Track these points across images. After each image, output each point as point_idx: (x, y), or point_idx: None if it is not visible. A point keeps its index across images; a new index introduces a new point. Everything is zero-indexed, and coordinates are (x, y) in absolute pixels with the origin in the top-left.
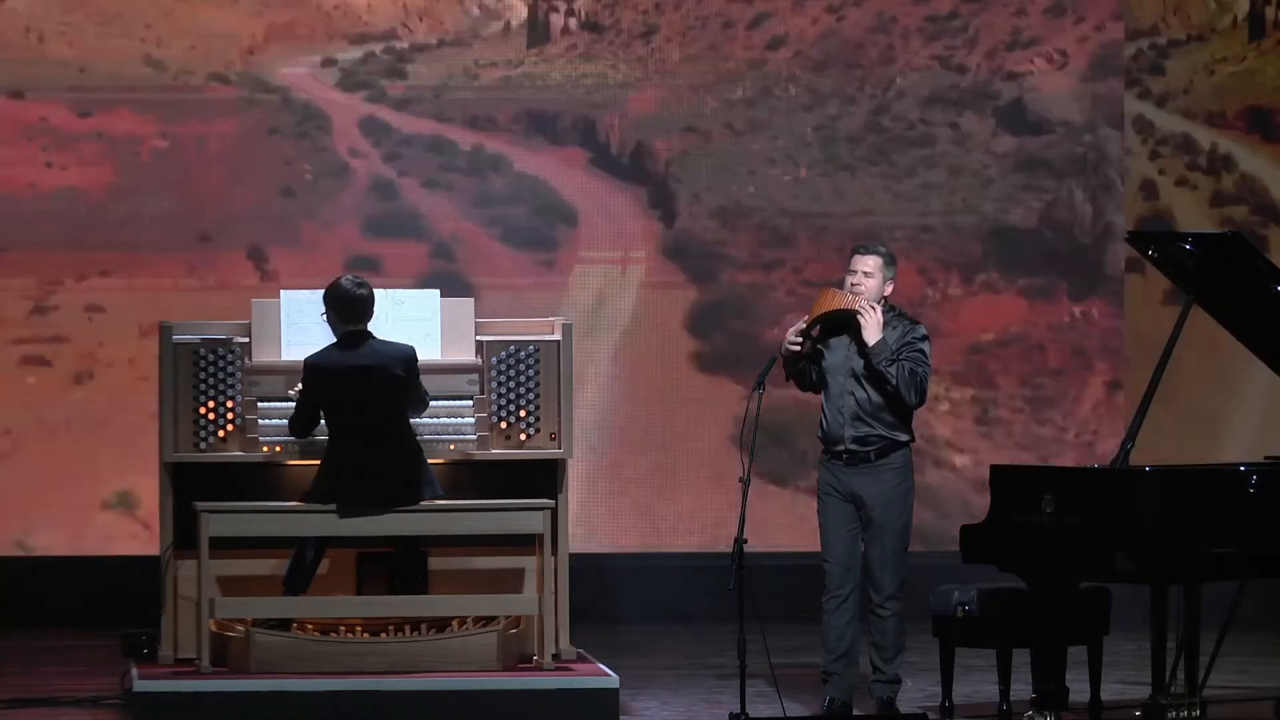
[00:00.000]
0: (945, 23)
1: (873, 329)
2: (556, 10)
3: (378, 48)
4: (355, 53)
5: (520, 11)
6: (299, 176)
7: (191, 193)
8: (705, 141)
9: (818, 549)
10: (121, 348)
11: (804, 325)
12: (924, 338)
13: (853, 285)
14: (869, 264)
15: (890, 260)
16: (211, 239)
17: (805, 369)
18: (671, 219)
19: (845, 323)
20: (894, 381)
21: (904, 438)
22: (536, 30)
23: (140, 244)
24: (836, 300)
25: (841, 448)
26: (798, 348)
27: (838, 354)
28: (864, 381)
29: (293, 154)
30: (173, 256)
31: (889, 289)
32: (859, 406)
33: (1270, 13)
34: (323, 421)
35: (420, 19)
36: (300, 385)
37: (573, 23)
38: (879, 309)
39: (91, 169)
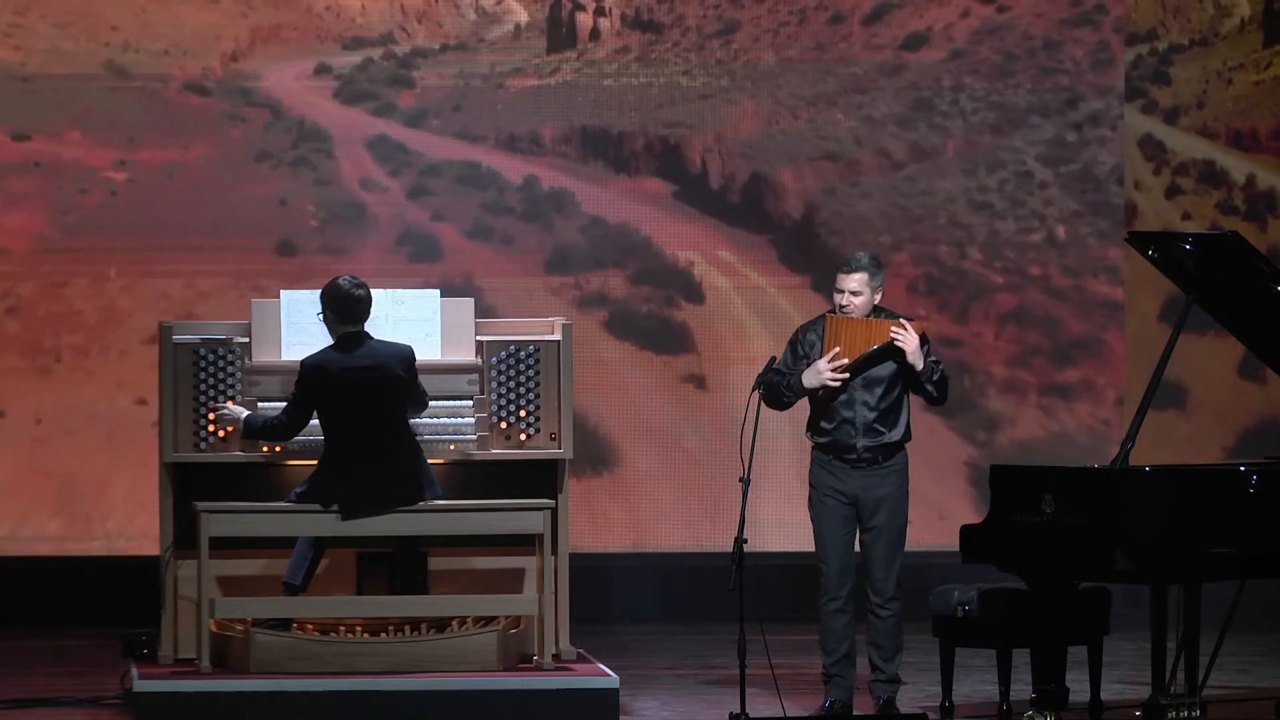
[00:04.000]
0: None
1: (918, 357)
2: (584, 8)
3: (376, 53)
4: (352, 58)
5: (525, 12)
6: (302, 222)
7: (153, 258)
8: (854, 173)
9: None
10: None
11: (847, 363)
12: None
13: (841, 307)
14: (854, 282)
15: (875, 270)
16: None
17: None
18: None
19: (886, 353)
20: (935, 395)
21: (907, 439)
22: (559, 31)
23: (60, 355)
24: (866, 333)
25: (853, 457)
26: (838, 384)
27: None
28: (871, 388)
29: (290, 187)
30: (120, 365)
31: (879, 298)
32: (871, 414)
33: None
34: (315, 421)
35: (419, 21)
36: (296, 387)
37: (604, 23)
38: (910, 330)
39: (17, 213)
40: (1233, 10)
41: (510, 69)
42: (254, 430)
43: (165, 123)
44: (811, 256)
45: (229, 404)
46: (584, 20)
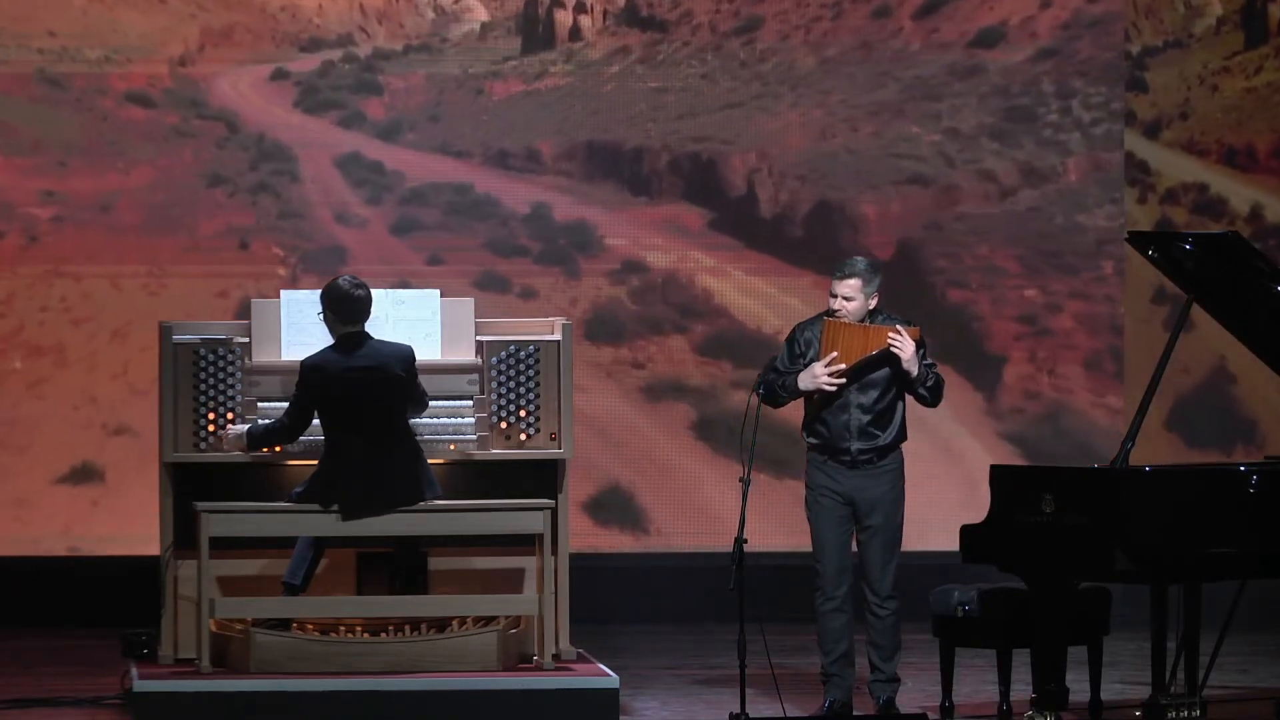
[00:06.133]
0: None
1: (913, 364)
2: (562, 4)
3: (335, 55)
4: (310, 61)
5: (485, 9)
6: (268, 272)
7: (78, 331)
8: (952, 200)
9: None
10: None
11: (844, 368)
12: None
13: (834, 311)
14: (847, 288)
15: (869, 276)
16: (104, 475)
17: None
18: (993, 384)
19: (882, 359)
20: (928, 399)
21: (902, 440)
22: (534, 28)
23: None
24: (863, 339)
25: (848, 459)
26: (834, 389)
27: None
28: (866, 391)
29: (251, 224)
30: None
31: (873, 302)
32: (865, 416)
33: (1276, 12)
34: (316, 421)
35: (379, 20)
36: (296, 388)
37: (585, 20)
38: (905, 336)
39: None
40: (1205, 10)
41: (485, 70)
42: (257, 439)
43: (103, 141)
44: (915, 304)
45: (227, 427)
46: (562, 17)
